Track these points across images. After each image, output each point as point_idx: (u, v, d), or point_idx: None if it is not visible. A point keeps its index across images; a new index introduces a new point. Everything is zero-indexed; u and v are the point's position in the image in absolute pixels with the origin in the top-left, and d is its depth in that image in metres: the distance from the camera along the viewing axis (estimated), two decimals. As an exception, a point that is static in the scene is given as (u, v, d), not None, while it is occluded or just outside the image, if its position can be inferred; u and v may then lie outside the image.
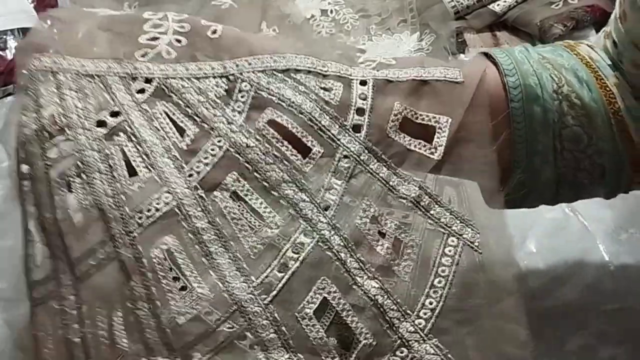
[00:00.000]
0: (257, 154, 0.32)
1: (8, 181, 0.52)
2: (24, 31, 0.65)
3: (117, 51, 0.34)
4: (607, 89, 0.36)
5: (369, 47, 0.63)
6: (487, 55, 0.38)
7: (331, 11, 0.66)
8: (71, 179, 0.32)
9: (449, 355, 0.33)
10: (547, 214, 0.50)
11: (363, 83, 0.34)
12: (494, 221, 0.49)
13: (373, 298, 0.32)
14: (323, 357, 0.31)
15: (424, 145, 0.35)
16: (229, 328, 0.31)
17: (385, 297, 0.33)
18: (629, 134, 0.36)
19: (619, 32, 0.36)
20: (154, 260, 0.31)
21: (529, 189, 0.38)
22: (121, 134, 0.33)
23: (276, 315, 0.31)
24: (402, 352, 0.32)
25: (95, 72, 0.34)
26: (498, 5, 0.65)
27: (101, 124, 0.33)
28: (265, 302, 0.31)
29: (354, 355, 0.32)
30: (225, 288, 0.31)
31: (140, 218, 0.32)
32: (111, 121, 0.33)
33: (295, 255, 0.32)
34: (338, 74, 0.34)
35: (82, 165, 0.32)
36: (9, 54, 0.64)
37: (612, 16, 0.37)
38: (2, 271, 0.47)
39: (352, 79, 0.34)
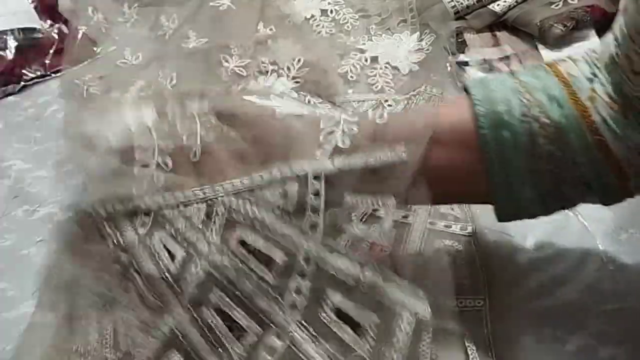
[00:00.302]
0: (232, 272, 0.36)
1: (8, 181, 0.52)
2: (24, 31, 0.65)
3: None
4: (580, 103, 0.36)
5: (369, 47, 0.63)
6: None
7: (331, 11, 0.66)
8: None
9: None
10: (547, 214, 0.50)
11: (317, 178, 0.36)
12: (494, 221, 0.49)
13: None
14: None
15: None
16: None
17: None
18: (606, 144, 0.36)
19: (619, 25, 0.36)
20: None
21: (514, 211, 0.39)
22: (131, 269, 0.36)
23: None
24: None
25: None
26: (498, 5, 0.65)
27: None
28: None
29: None
30: None
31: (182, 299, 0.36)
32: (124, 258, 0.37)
33: (270, 358, 0.35)
34: (297, 174, 0.36)
35: None
36: (9, 54, 0.64)
37: (618, 13, 0.37)
38: (2, 271, 0.47)
39: (307, 176, 0.36)
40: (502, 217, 0.39)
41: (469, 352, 0.40)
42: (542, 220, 0.49)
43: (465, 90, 0.39)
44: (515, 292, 0.44)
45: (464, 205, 0.51)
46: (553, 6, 0.63)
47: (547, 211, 0.39)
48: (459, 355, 0.40)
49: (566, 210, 0.49)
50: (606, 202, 0.39)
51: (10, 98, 0.63)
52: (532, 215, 0.39)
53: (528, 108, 0.36)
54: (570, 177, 0.37)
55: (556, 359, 0.40)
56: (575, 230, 0.48)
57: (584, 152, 0.36)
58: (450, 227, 0.49)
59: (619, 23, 0.36)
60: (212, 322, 0.36)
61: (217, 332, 0.36)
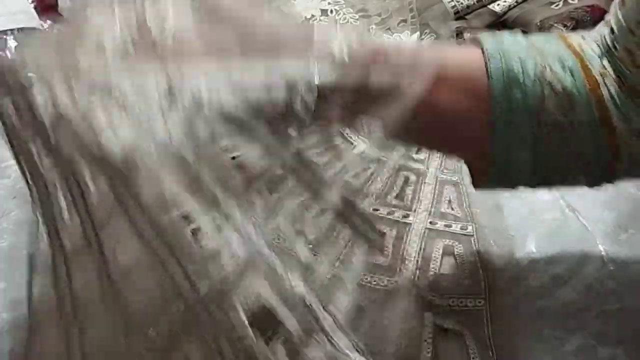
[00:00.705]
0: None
1: (8, 181, 0.52)
2: (24, 31, 0.65)
3: None
4: (592, 76, 0.36)
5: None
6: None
7: (331, 11, 0.66)
8: None
9: None
10: (547, 214, 0.50)
11: (308, 87, 0.32)
12: (494, 221, 0.49)
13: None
14: None
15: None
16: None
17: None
18: (611, 121, 0.35)
19: (616, 18, 0.36)
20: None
21: (506, 175, 0.38)
22: None
23: None
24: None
25: None
26: (498, 5, 0.65)
27: None
28: None
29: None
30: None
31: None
32: None
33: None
34: (287, 78, 0.32)
35: None
36: (9, 54, 0.64)
37: (612, 4, 0.37)
38: (2, 271, 0.47)
39: (297, 82, 0.32)
40: (490, 178, 0.38)
41: (469, 352, 0.40)
42: (542, 220, 0.49)
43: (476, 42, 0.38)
44: (515, 292, 0.44)
45: (464, 205, 0.51)
46: (553, 6, 0.63)
47: (535, 182, 0.39)
48: (459, 355, 0.40)
49: (566, 210, 0.50)
50: (593, 182, 0.39)
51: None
52: (518, 183, 0.39)
53: (542, 72, 0.36)
54: (570, 150, 0.36)
55: (556, 359, 0.40)
56: (575, 230, 0.48)
57: (589, 126, 0.36)
58: (450, 226, 0.49)
59: (615, 15, 0.36)
60: None
61: None
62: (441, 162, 0.55)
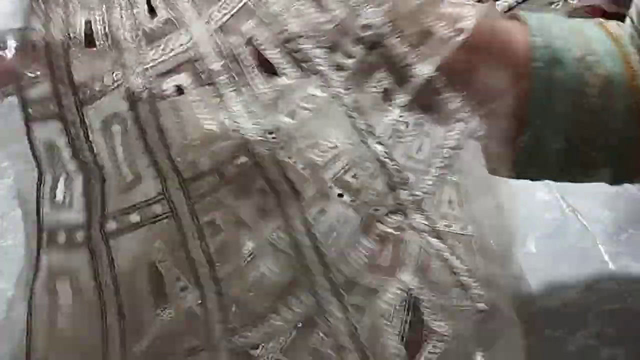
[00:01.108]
0: (278, 7, 0.32)
1: (8, 181, 0.52)
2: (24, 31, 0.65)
3: None
4: (631, 66, 0.35)
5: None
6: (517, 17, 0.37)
7: (331, 11, 0.66)
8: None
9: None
10: (547, 214, 0.50)
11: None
12: (494, 221, 0.49)
13: (380, 158, 0.33)
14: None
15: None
16: (237, 165, 0.31)
17: (390, 161, 0.34)
18: None
19: (637, 7, 0.36)
20: (165, 92, 0.31)
21: (534, 158, 0.36)
22: None
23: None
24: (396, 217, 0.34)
25: None
26: (498, 5, 0.65)
27: None
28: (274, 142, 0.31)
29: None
30: (235, 127, 0.31)
31: (155, 53, 0.31)
32: None
33: (307, 105, 0.32)
34: None
35: None
36: (9, 54, 0.64)
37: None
38: (3, 271, 0.47)
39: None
40: (516, 165, 0.37)
41: (469, 352, 0.39)
42: (542, 220, 0.49)
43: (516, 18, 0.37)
44: (516, 292, 0.44)
45: (464, 205, 0.51)
46: (553, 6, 0.63)
47: (559, 174, 0.37)
48: (460, 354, 0.40)
49: (566, 211, 0.50)
50: (616, 178, 0.37)
51: (10, 98, 0.63)
52: (542, 174, 0.38)
53: (584, 55, 0.34)
54: (602, 141, 0.35)
55: (556, 359, 0.40)
56: (575, 230, 0.48)
57: (623, 116, 0.34)
58: (451, 226, 0.49)
59: (635, 5, 0.36)
60: (240, 54, 0.32)
61: (243, 65, 0.32)
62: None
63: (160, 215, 0.31)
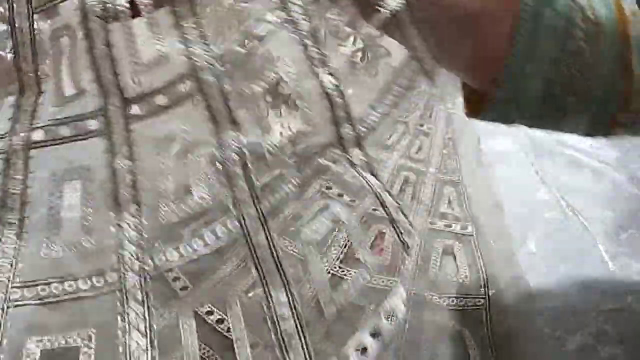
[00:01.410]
0: None
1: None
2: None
3: None
4: (624, 13, 0.34)
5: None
6: None
7: (331, 11, 0.66)
8: None
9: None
10: (547, 214, 0.50)
11: None
12: (494, 221, 0.49)
13: (327, 91, 0.32)
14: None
15: None
16: (183, 88, 0.30)
17: (337, 94, 0.32)
18: (631, 65, 0.33)
19: None
20: (119, 8, 0.30)
21: (512, 99, 0.35)
22: None
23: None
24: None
25: None
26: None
27: None
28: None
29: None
30: (185, 52, 0.30)
31: None
32: None
33: (260, 32, 0.31)
34: None
35: None
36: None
37: None
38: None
39: None
40: (493, 105, 0.36)
41: (469, 352, 0.40)
42: (542, 220, 0.49)
43: None
44: (515, 292, 0.44)
45: (464, 205, 0.51)
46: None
47: (536, 119, 0.37)
48: (459, 354, 0.40)
49: (566, 210, 0.50)
50: (592, 128, 0.37)
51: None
52: (518, 116, 0.37)
53: None
54: (583, 87, 0.34)
55: (556, 359, 0.40)
56: (575, 230, 0.48)
57: (609, 63, 0.34)
58: (450, 226, 0.49)
59: None
60: None
61: None
62: (441, 162, 0.55)
63: (93, 132, 0.30)
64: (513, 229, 0.48)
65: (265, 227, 0.31)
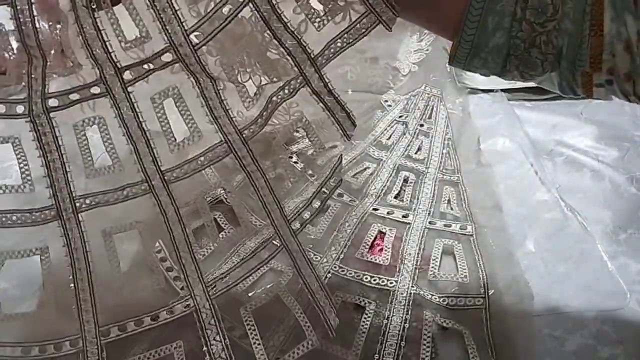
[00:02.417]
0: None
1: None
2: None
3: None
4: None
5: (368, 47, 0.63)
6: None
7: (331, 11, 0.66)
8: None
9: None
10: (547, 214, 0.50)
11: None
12: (493, 221, 0.49)
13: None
14: None
15: None
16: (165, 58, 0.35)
17: None
18: (601, 22, 0.32)
19: None
20: None
21: (475, 51, 0.35)
22: None
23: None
24: None
25: None
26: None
27: None
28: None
29: None
30: (164, 29, 0.34)
31: None
32: None
33: None
34: None
35: None
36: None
37: None
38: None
39: None
40: (456, 55, 0.36)
41: (469, 351, 0.40)
42: (542, 220, 0.49)
43: None
44: (515, 292, 0.44)
45: (464, 205, 0.51)
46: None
47: (501, 70, 0.36)
48: (459, 354, 0.40)
49: (565, 211, 0.50)
50: (566, 90, 0.36)
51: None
52: (484, 68, 0.36)
53: None
54: (545, 41, 0.34)
55: (556, 359, 0.40)
56: (574, 230, 0.49)
57: (576, 19, 0.33)
58: (450, 226, 0.49)
59: None
60: None
61: None
62: (441, 162, 0.55)
63: (98, 94, 0.36)
64: (512, 229, 0.48)
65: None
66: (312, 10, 0.35)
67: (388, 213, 0.50)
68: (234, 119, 0.36)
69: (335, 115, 0.37)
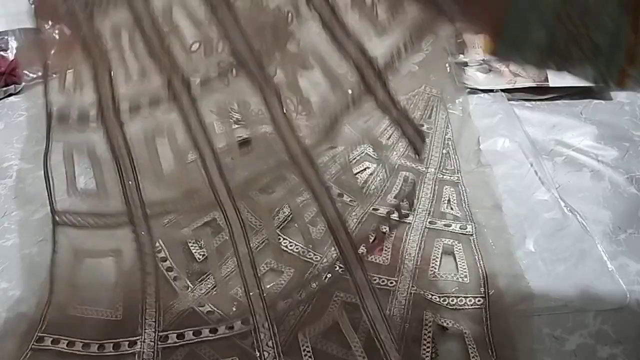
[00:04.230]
0: None
1: (9, 181, 0.52)
2: (25, 32, 0.65)
3: None
4: None
5: (367, 47, 0.63)
6: None
7: (331, 12, 0.66)
8: None
9: None
10: (546, 214, 0.50)
11: None
12: (493, 221, 0.49)
13: None
14: None
15: None
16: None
17: None
18: (638, 19, 0.33)
19: None
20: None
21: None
22: None
23: None
24: None
25: None
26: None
27: None
28: None
29: None
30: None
31: None
32: None
33: None
34: None
35: None
36: (11, 55, 0.64)
37: None
38: (4, 271, 0.47)
39: None
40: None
41: (469, 351, 0.40)
42: (542, 220, 0.49)
43: None
44: (515, 292, 0.44)
45: (464, 205, 0.51)
46: (552, 7, 0.63)
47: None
48: (459, 354, 0.40)
49: (565, 210, 0.50)
50: (600, 81, 0.37)
51: (11, 98, 0.64)
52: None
53: None
54: (585, 38, 0.34)
55: (555, 359, 0.40)
56: (574, 230, 0.49)
57: (616, 14, 0.33)
58: (450, 226, 0.49)
59: None
60: None
61: None
62: (441, 162, 0.55)
63: (163, 99, 0.38)
64: (512, 229, 0.48)
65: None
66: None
67: (388, 213, 0.50)
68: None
69: (405, 132, 0.37)
